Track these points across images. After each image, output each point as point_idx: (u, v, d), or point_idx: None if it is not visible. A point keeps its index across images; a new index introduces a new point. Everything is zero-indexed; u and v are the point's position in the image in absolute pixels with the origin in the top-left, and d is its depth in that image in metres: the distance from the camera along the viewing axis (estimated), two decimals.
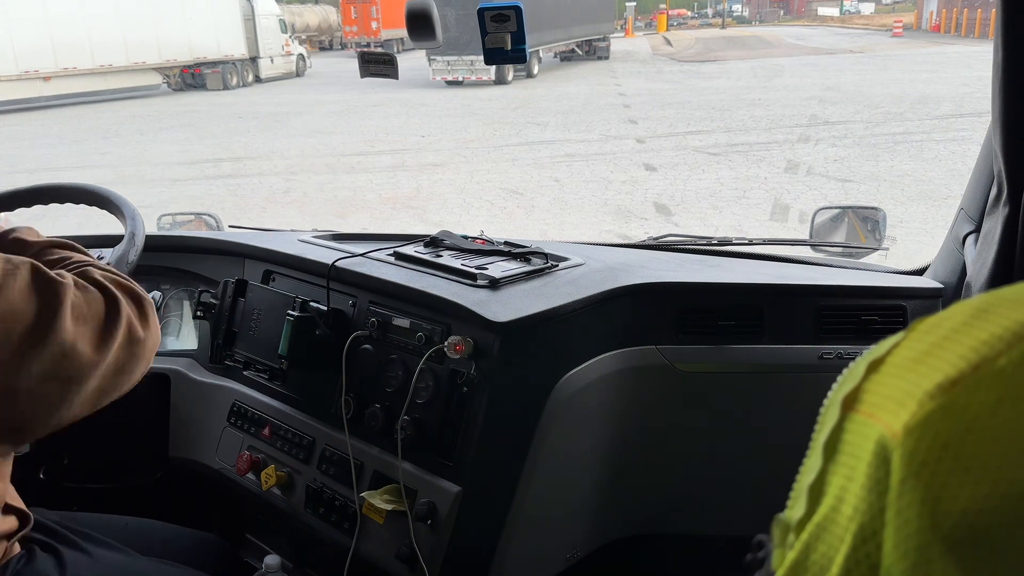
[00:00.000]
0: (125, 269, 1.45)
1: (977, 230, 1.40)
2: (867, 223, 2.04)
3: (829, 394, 0.39)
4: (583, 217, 7.21)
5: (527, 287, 1.46)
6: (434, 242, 1.68)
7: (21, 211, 1.68)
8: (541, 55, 21.67)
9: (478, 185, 8.61)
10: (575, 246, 1.80)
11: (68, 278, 0.96)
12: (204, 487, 1.78)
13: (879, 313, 1.53)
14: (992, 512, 0.31)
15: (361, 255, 1.61)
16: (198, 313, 1.71)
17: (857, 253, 1.94)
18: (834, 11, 55.06)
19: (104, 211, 1.62)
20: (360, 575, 1.42)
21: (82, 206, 1.63)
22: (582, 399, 1.42)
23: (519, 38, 1.43)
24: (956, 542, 0.31)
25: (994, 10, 1.14)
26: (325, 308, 1.52)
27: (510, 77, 19.78)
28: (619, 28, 36.23)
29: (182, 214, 2.51)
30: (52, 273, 0.95)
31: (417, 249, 1.65)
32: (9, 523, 1.10)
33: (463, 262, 1.56)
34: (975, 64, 16.91)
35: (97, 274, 1.03)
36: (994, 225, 1.23)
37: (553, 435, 1.38)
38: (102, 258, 1.56)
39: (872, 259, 1.95)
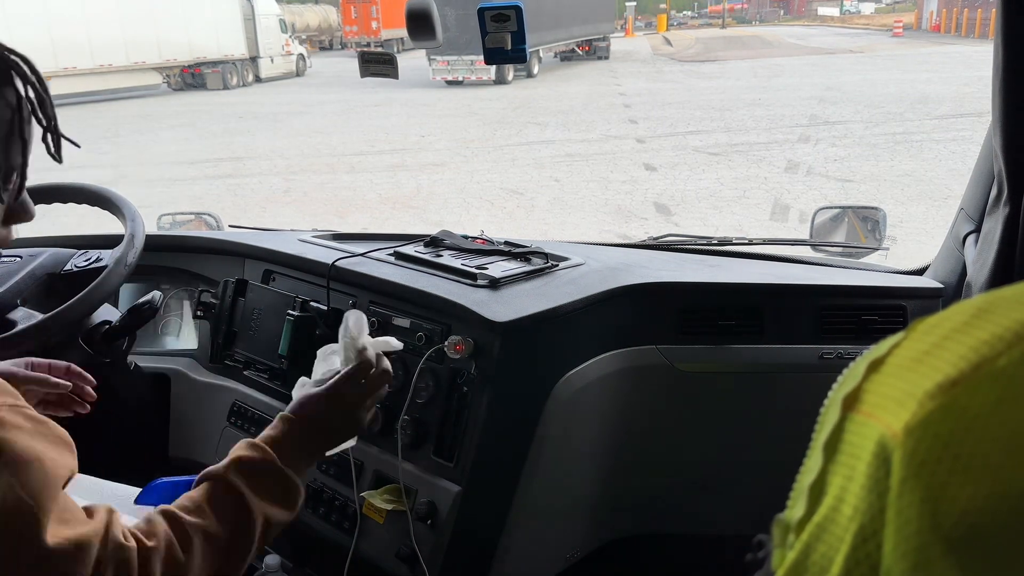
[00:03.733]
0: (122, 272, 1.45)
1: (977, 230, 1.40)
2: (867, 223, 2.04)
3: (829, 394, 0.39)
4: (583, 217, 7.21)
5: (527, 287, 1.46)
6: (434, 242, 1.68)
7: None
8: (541, 55, 21.65)
9: (478, 185, 8.60)
10: (575, 246, 1.80)
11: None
12: None
13: (879, 313, 1.53)
14: (992, 512, 0.31)
15: (361, 255, 1.61)
16: (198, 313, 1.72)
17: (857, 253, 1.94)
18: (834, 11, 55.04)
19: (104, 211, 1.62)
20: (360, 575, 1.41)
21: (82, 206, 1.63)
22: (582, 399, 1.42)
23: (519, 38, 1.43)
24: (956, 542, 0.31)
25: (994, 10, 1.14)
26: (325, 308, 1.52)
27: (510, 77, 19.77)
28: (619, 28, 36.23)
29: (182, 214, 2.51)
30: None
31: (417, 249, 1.65)
32: None
33: (463, 262, 1.56)
34: (975, 64, 16.89)
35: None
36: (994, 225, 1.23)
37: (553, 435, 1.38)
38: (100, 259, 1.57)
39: (872, 259, 1.94)
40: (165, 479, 1.38)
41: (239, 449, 0.98)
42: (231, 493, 0.92)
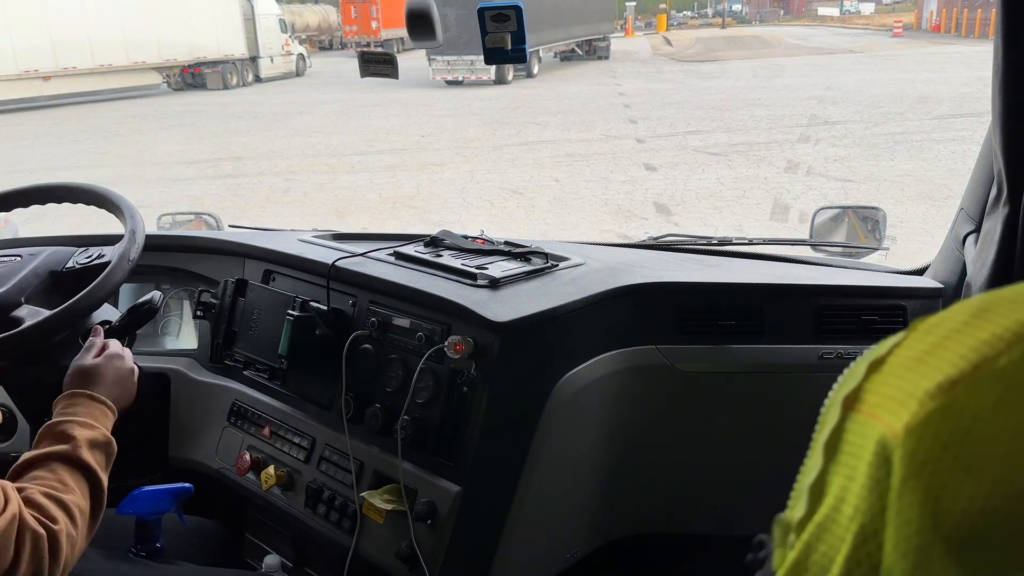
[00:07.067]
0: (126, 267, 1.45)
1: (977, 230, 1.40)
2: (867, 223, 2.03)
3: (830, 394, 0.39)
4: (583, 217, 7.21)
5: (527, 287, 1.46)
6: (434, 242, 1.68)
7: (19, 210, 1.68)
8: (541, 55, 21.66)
9: (478, 185, 8.60)
10: (575, 246, 1.80)
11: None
12: (204, 487, 1.78)
13: (879, 313, 1.53)
14: (992, 512, 0.31)
15: (361, 255, 1.61)
16: (198, 313, 1.72)
17: (857, 253, 1.94)
18: (834, 11, 55.03)
19: (104, 210, 1.62)
20: (360, 575, 1.42)
21: (82, 205, 1.63)
22: (582, 399, 1.42)
23: (519, 38, 1.43)
24: (957, 542, 0.31)
25: (994, 10, 1.14)
26: (325, 308, 1.52)
27: (510, 77, 19.76)
28: (619, 28, 36.23)
29: (182, 214, 2.51)
30: None
31: (417, 249, 1.64)
32: None
33: (463, 262, 1.56)
34: (975, 64, 16.89)
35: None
36: (994, 225, 1.23)
37: (553, 435, 1.38)
38: (102, 256, 1.57)
39: (872, 259, 1.94)
40: (148, 488, 1.40)
41: (77, 428, 1.12)
42: (86, 471, 1.08)
